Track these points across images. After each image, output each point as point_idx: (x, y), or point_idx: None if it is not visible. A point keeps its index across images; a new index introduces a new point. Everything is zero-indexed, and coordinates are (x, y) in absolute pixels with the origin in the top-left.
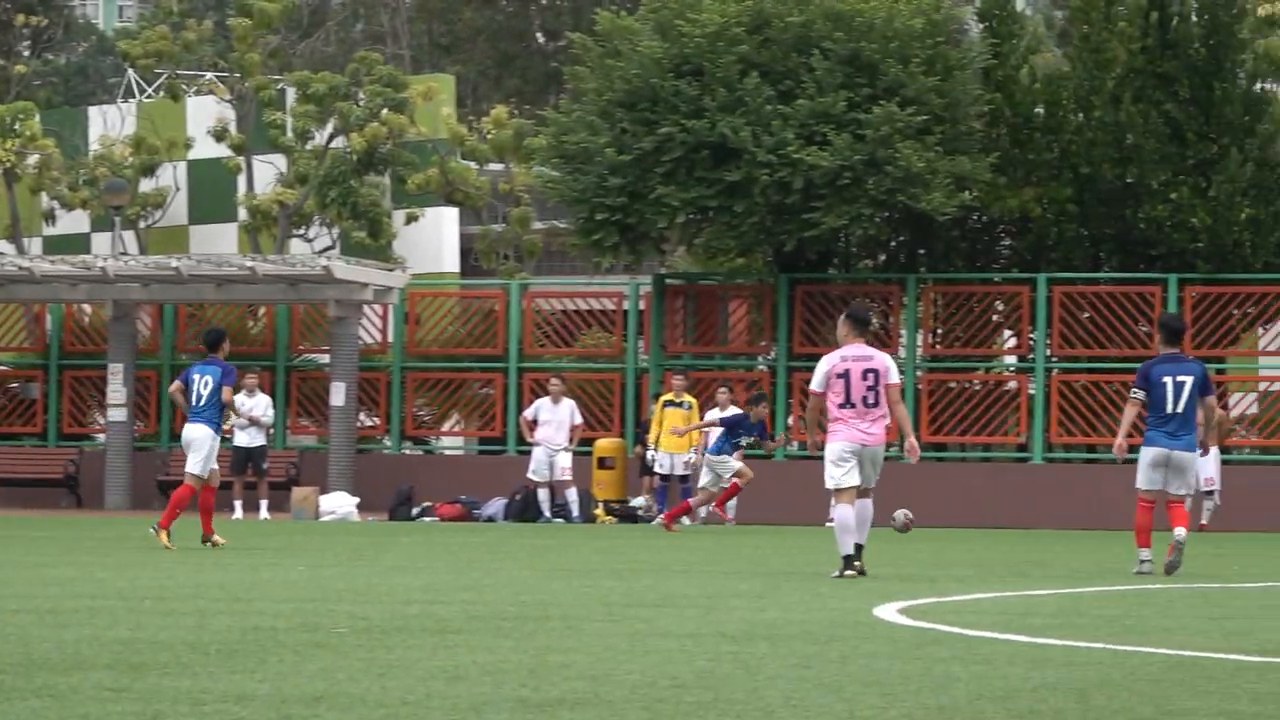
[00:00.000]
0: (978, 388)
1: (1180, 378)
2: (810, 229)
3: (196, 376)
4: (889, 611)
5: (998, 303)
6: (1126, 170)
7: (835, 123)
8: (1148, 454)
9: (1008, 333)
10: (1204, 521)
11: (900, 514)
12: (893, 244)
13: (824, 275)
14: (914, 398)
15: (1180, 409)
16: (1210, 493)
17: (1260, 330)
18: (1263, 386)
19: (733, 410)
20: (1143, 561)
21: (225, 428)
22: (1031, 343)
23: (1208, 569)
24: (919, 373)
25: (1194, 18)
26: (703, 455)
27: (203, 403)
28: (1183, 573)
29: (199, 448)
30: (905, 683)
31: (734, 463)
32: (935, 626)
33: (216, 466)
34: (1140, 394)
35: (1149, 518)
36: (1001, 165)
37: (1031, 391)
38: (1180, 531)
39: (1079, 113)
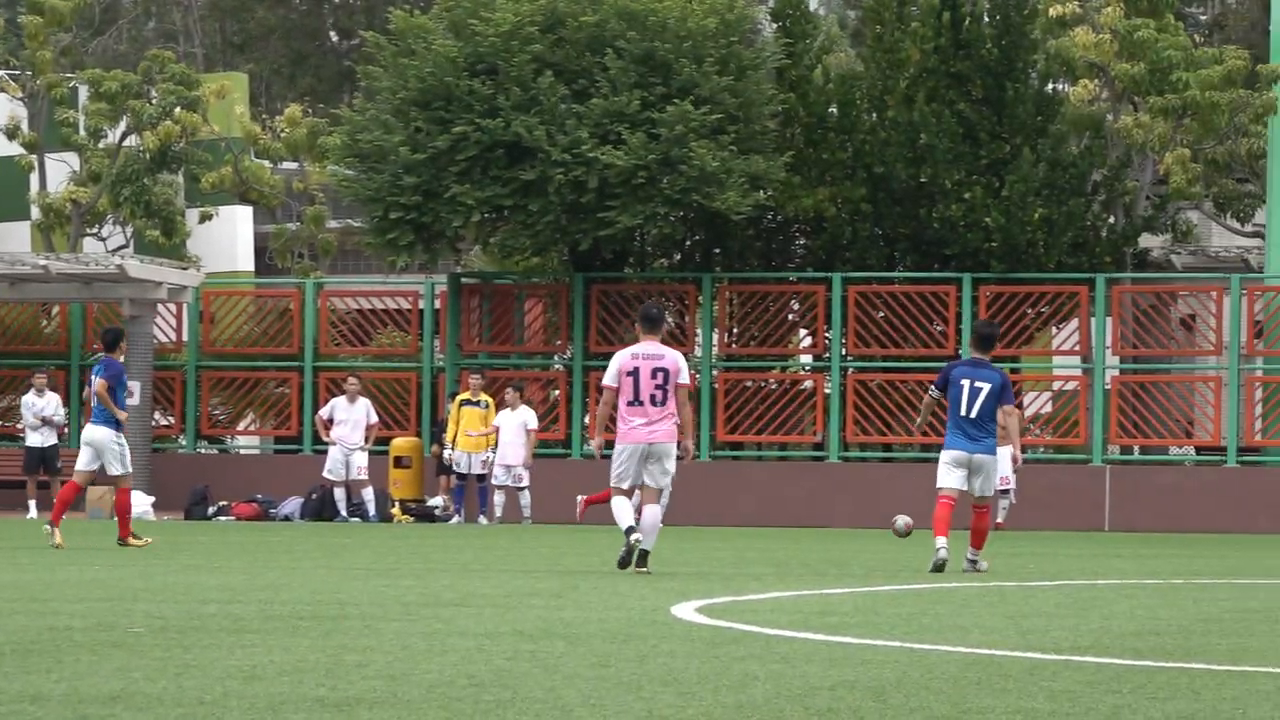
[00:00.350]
0: (773, 387)
1: (978, 383)
2: (605, 228)
3: (93, 378)
4: (687, 610)
5: (793, 302)
6: (920, 170)
7: (629, 122)
8: (947, 455)
9: (803, 332)
10: (999, 520)
11: (902, 520)
12: (688, 243)
13: (619, 274)
14: (710, 397)
15: (975, 414)
16: (1005, 491)
17: (1054, 329)
18: (1056, 386)
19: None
20: (939, 550)
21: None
22: (827, 342)
23: (1004, 568)
24: (715, 372)
25: (986, 18)
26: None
27: (96, 404)
28: (983, 571)
29: (105, 450)
30: (703, 681)
31: None
32: (733, 625)
33: (129, 456)
34: (936, 392)
35: (948, 512)
36: (796, 165)
37: (827, 390)
38: (971, 552)
39: (873, 113)
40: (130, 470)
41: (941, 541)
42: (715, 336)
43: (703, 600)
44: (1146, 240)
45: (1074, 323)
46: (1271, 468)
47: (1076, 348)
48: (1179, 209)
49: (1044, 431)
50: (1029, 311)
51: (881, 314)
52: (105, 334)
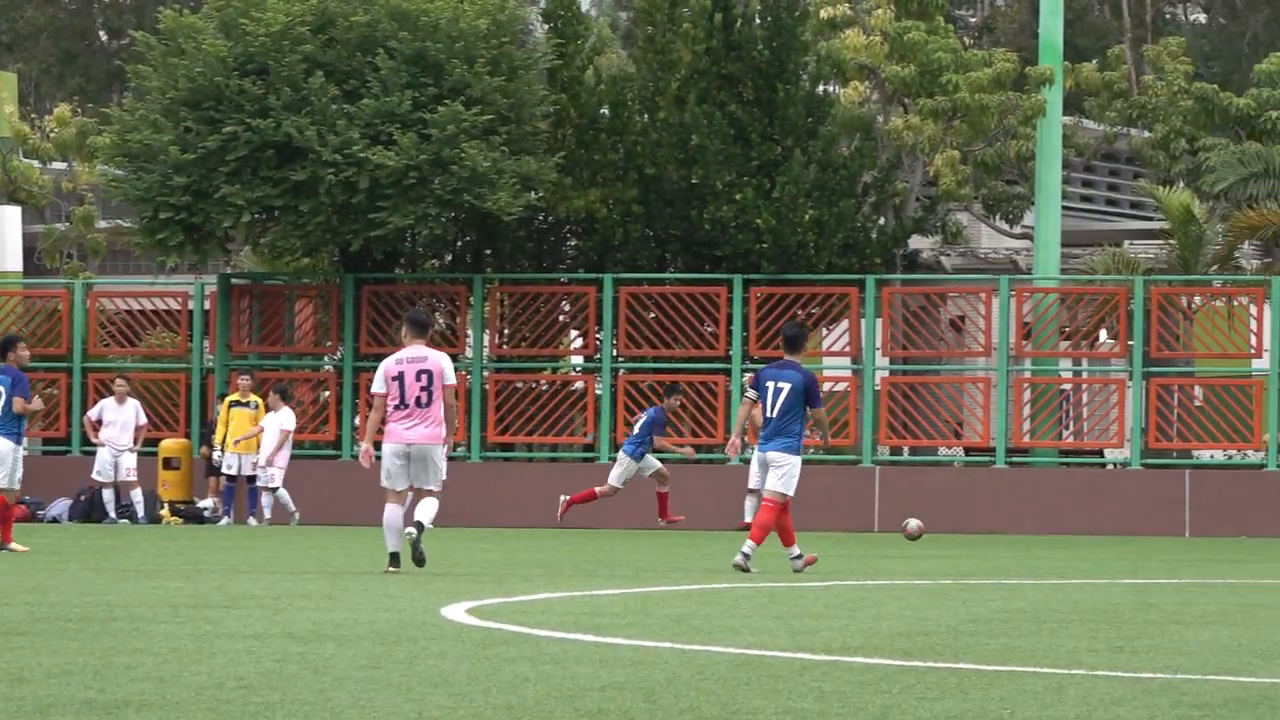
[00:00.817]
0: (545, 388)
1: (780, 384)
2: (376, 229)
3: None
4: (457, 612)
5: (564, 303)
6: (691, 171)
7: (401, 122)
8: (755, 457)
9: (574, 333)
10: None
11: (914, 522)
12: (459, 244)
13: (390, 275)
14: (480, 398)
15: (775, 413)
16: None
17: (824, 331)
18: (827, 387)
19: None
20: (795, 559)
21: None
22: (598, 343)
23: (775, 568)
24: (486, 373)
25: (757, 20)
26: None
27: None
28: (755, 572)
29: (2, 461)
30: (473, 683)
31: (655, 461)
32: (503, 627)
33: (21, 473)
34: (752, 393)
35: (784, 518)
36: (567, 166)
37: (598, 392)
38: (749, 545)
39: (644, 114)
40: (15, 487)
41: (795, 550)
42: (486, 337)
43: (473, 602)
44: (916, 242)
45: (844, 324)
46: (1039, 469)
47: (847, 349)
48: (948, 210)
49: (814, 432)
50: (800, 312)
51: (653, 315)
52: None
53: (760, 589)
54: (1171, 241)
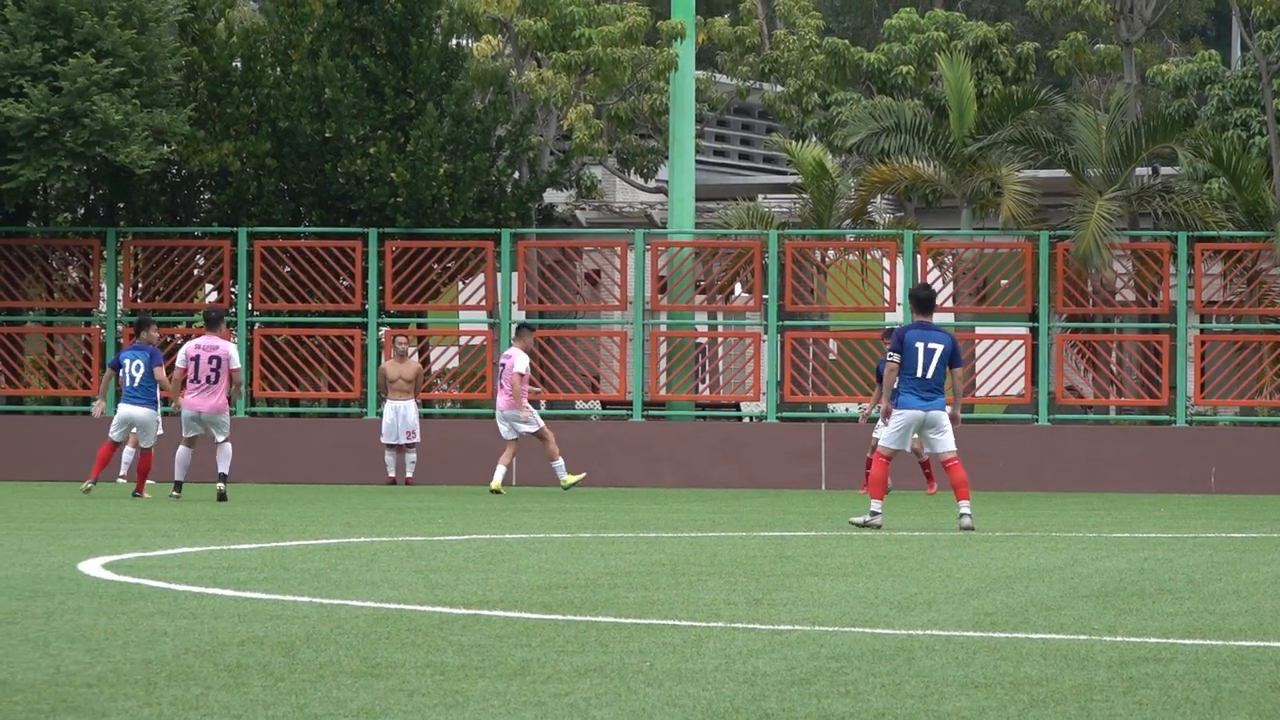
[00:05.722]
0: (180, 343)
1: (931, 345)
2: (7, 182)
3: None
4: (94, 566)
5: (199, 257)
6: (325, 125)
7: (31, 74)
8: (903, 417)
9: (209, 286)
10: (409, 475)
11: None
12: (92, 197)
13: (22, 229)
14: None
15: (930, 374)
16: (411, 446)
17: (460, 284)
18: (463, 340)
19: None
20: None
21: None
22: (233, 297)
23: (412, 521)
24: (120, 327)
25: None
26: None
27: None
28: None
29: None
30: (111, 638)
31: None
32: (141, 581)
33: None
34: (895, 357)
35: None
36: (200, 119)
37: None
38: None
39: (277, 67)
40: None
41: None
42: (121, 291)
43: (110, 556)
44: (551, 195)
45: (480, 278)
46: (676, 422)
47: (483, 303)
48: (583, 165)
49: (451, 386)
50: (435, 266)
51: (288, 269)
52: None
53: (399, 542)
54: (805, 195)
